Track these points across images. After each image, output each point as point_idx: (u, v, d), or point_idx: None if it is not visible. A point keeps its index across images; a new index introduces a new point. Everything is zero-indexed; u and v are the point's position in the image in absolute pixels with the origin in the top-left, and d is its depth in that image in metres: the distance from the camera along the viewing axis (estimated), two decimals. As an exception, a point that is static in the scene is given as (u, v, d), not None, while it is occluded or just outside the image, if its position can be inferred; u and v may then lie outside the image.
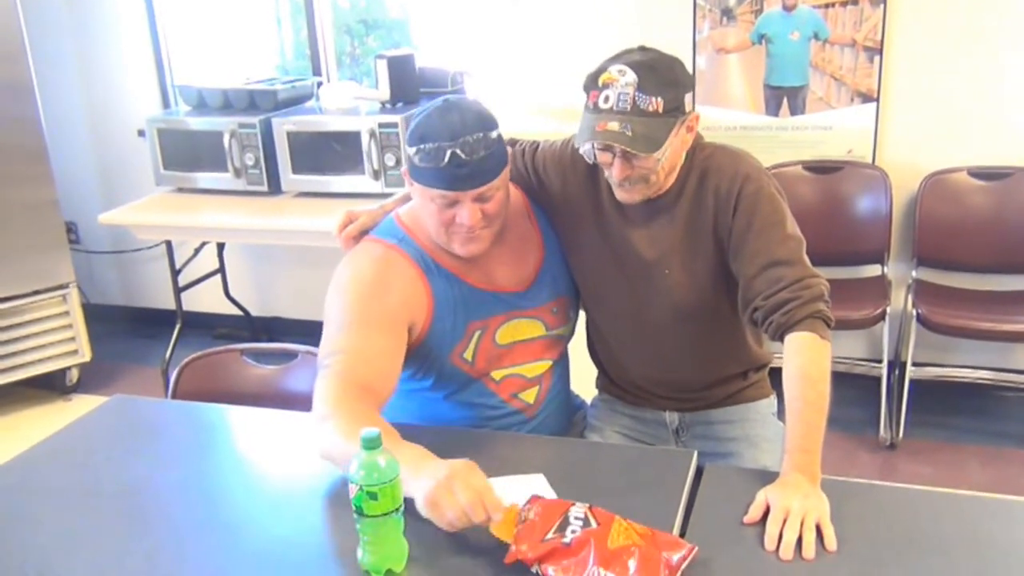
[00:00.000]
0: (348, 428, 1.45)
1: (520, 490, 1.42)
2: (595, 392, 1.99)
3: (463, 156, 1.53)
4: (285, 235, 3.46)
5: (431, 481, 1.32)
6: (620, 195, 1.64)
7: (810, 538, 1.32)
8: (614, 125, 1.50)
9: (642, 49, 1.58)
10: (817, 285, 1.56)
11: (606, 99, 1.52)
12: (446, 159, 1.53)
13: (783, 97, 3.35)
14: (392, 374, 1.61)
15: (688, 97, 1.57)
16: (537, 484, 1.48)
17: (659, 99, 1.51)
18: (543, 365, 1.79)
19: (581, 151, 1.61)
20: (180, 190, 3.77)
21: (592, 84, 1.55)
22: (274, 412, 1.85)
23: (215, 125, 3.57)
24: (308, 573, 1.35)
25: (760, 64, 3.34)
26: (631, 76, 1.51)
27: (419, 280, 1.66)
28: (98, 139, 4.28)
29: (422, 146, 1.54)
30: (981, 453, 3.08)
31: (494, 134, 1.57)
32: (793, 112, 3.36)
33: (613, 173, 1.59)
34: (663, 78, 1.53)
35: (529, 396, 1.78)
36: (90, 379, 3.88)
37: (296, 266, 4.15)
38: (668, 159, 1.58)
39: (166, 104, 4.13)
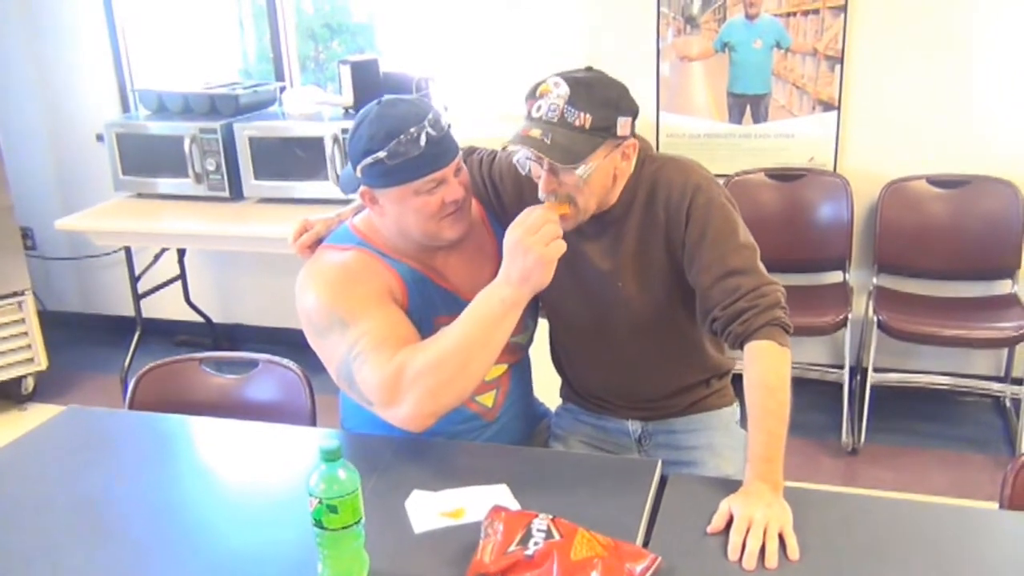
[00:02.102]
0: (427, 349, 1.51)
1: (483, 500, 1.42)
2: (559, 401, 1.98)
3: (435, 133, 1.56)
4: (247, 241, 3.42)
5: (524, 258, 1.46)
6: None
7: (773, 547, 1.32)
8: (536, 132, 1.51)
9: (588, 69, 1.58)
10: (773, 293, 1.56)
11: (538, 108, 1.53)
12: (423, 141, 1.54)
13: (746, 105, 3.38)
14: (417, 335, 1.59)
15: (624, 122, 1.55)
16: (500, 494, 1.47)
17: (587, 115, 1.51)
18: (499, 369, 1.77)
19: (515, 160, 1.62)
20: (140, 195, 3.71)
21: (531, 95, 1.56)
22: (234, 422, 1.82)
23: (175, 130, 3.52)
24: (267, 588, 1.33)
25: (723, 72, 3.36)
26: (564, 89, 1.51)
27: (388, 271, 1.66)
28: (55, 143, 4.20)
29: (392, 144, 1.54)
30: (942, 457, 3.12)
31: (438, 111, 1.61)
32: (756, 120, 3.38)
33: (540, 186, 1.58)
34: (597, 97, 1.53)
35: (487, 400, 1.77)
36: (47, 388, 3.80)
37: (259, 273, 4.11)
38: (594, 181, 1.56)
39: (125, 108, 4.06)
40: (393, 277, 1.65)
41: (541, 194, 1.59)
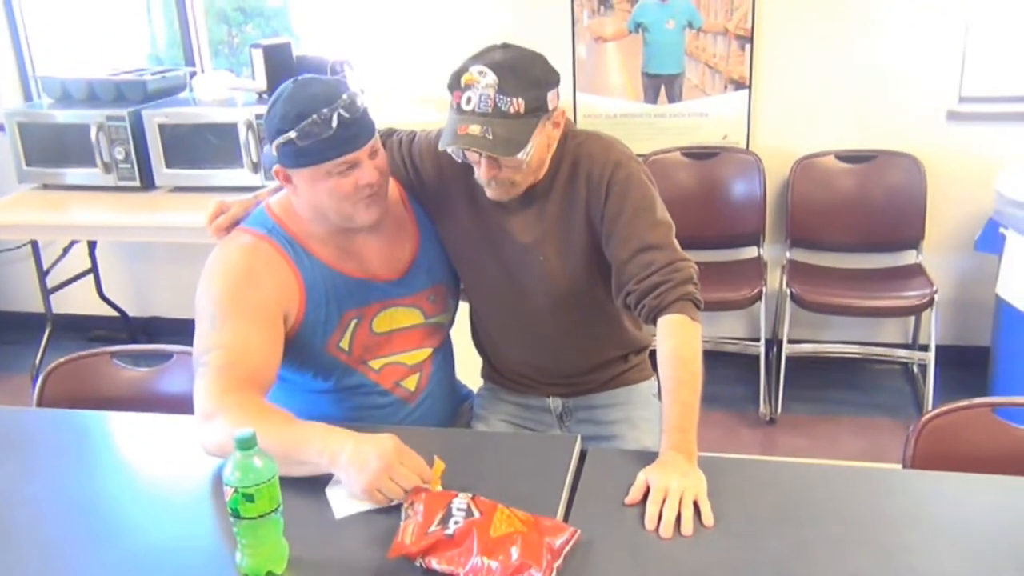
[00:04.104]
0: (241, 418, 1.44)
1: None
2: (481, 382, 1.99)
3: (348, 115, 1.54)
4: (160, 232, 3.33)
5: (365, 469, 1.36)
6: (489, 194, 1.65)
7: (688, 515, 1.35)
8: (475, 128, 1.51)
9: (504, 47, 1.58)
10: (687, 268, 1.60)
11: (468, 100, 1.52)
12: (335, 123, 1.52)
13: (660, 85, 3.43)
14: (272, 365, 1.59)
15: (552, 95, 1.57)
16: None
17: (520, 100, 1.51)
18: (423, 353, 1.78)
19: (449, 151, 1.61)
20: (45, 187, 3.58)
21: (455, 84, 1.55)
22: (148, 416, 1.78)
23: (81, 118, 3.41)
24: (185, 580, 1.31)
25: (638, 52, 3.40)
26: (491, 77, 1.51)
27: (289, 270, 1.64)
28: (-47, 134, 4.02)
29: (303, 124, 1.52)
30: (854, 424, 3.24)
31: (357, 95, 1.59)
32: (671, 99, 3.43)
33: (480, 173, 1.59)
34: (524, 78, 1.53)
35: (410, 383, 1.77)
36: (-48, 389, 3.66)
37: (174, 264, 4.01)
38: (534, 157, 1.59)
39: (27, 96, 3.92)
40: (293, 280, 1.64)
41: (480, 179, 1.61)
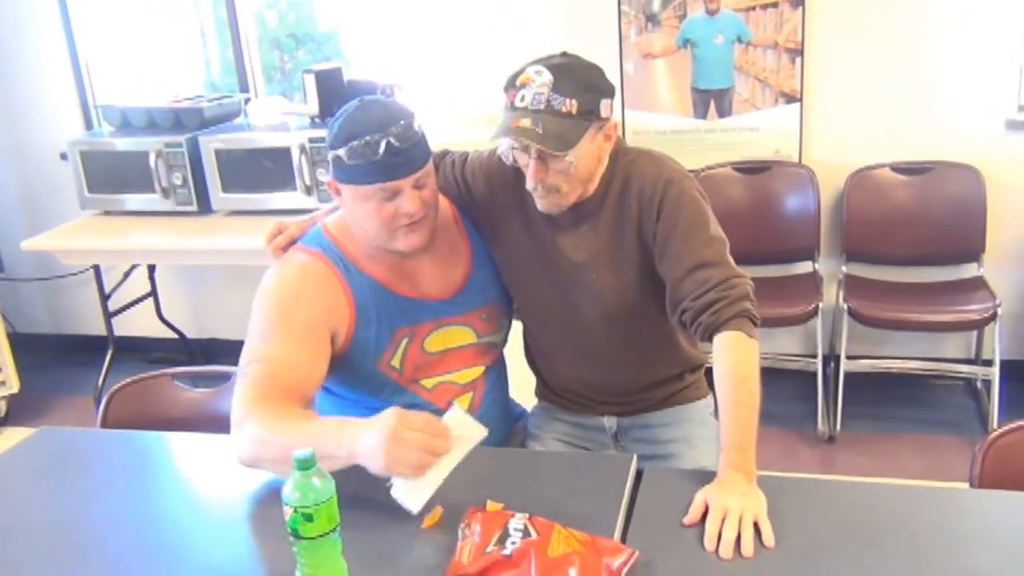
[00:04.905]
0: (268, 421, 1.48)
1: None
2: (535, 401, 1.99)
3: (397, 144, 1.54)
4: (217, 255, 3.40)
5: (376, 448, 1.37)
6: (538, 205, 1.65)
7: (748, 535, 1.33)
8: (526, 122, 1.52)
9: (564, 55, 1.60)
10: (742, 284, 1.58)
11: (522, 98, 1.54)
12: (381, 150, 1.53)
13: (710, 100, 3.41)
14: (312, 381, 1.61)
15: (606, 104, 1.58)
16: (453, 413, 1.48)
17: (573, 101, 1.52)
18: (476, 371, 1.79)
19: (499, 151, 1.62)
20: (107, 213, 3.68)
21: (511, 84, 1.57)
22: (208, 436, 1.80)
23: (140, 145, 3.50)
24: (246, 600, 1.32)
25: (687, 68, 3.39)
26: (547, 76, 1.53)
27: (341, 289, 1.66)
28: (18, 163, 4.15)
29: (353, 144, 1.54)
30: (916, 442, 3.16)
31: (416, 123, 1.60)
32: (720, 114, 3.41)
33: (528, 175, 1.59)
34: (579, 81, 1.55)
35: (463, 402, 1.78)
36: (19, 411, 3.75)
37: (231, 286, 4.08)
38: (582, 166, 1.58)
39: (88, 125, 4.03)
40: (344, 298, 1.66)
41: (529, 184, 1.61)
